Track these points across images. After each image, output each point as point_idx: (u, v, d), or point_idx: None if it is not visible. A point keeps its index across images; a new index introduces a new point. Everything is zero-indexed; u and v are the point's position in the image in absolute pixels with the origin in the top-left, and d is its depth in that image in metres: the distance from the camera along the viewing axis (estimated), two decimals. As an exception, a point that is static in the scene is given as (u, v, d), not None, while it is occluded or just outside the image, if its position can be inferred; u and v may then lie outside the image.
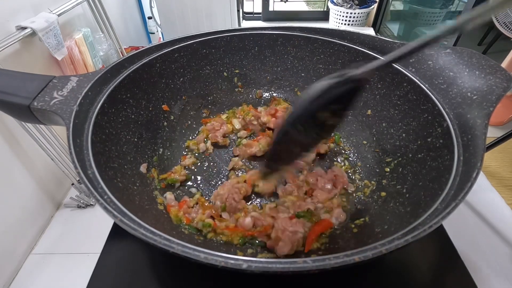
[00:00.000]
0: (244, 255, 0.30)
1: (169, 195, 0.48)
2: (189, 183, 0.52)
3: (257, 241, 0.43)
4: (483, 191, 1.25)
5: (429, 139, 0.43)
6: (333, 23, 2.00)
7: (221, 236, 0.43)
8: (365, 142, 0.56)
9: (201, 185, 0.52)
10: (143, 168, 0.49)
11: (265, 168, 0.40)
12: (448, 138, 0.39)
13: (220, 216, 0.46)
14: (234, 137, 0.61)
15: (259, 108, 0.64)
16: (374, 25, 2.09)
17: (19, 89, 0.40)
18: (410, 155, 0.46)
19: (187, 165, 0.55)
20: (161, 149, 0.55)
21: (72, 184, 1.22)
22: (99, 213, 1.23)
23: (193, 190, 0.51)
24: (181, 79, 0.59)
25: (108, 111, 0.45)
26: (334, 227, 0.44)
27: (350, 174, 0.53)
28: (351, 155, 0.56)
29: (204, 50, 0.60)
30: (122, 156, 0.45)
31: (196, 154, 0.57)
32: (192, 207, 0.47)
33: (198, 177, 0.54)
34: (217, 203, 0.47)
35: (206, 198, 0.50)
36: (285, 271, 0.25)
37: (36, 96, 0.40)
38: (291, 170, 0.52)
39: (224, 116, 0.64)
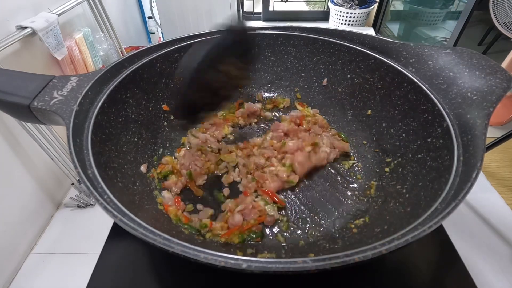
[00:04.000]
0: (244, 255, 0.30)
1: (166, 194, 0.48)
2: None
3: (254, 235, 0.43)
4: (483, 191, 1.25)
5: (429, 139, 0.43)
6: (333, 23, 2.00)
7: (219, 237, 0.43)
8: (365, 142, 0.56)
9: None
10: (143, 168, 0.49)
11: (180, 119, 0.48)
12: (448, 138, 0.39)
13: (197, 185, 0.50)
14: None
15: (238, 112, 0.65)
16: (374, 25, 2.09)
17: (19, 89, 0.40)
18: (410, 155, 0.46)
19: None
20: (161, 149, 0.55)
21: (72, 184, 1.22)
22: (99, 213, 1.23)
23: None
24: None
25: (108, 111, 0.45)
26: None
27: (350, 174, 0.53)
28: (351, 155, 0.56)
29: (204, 50, 0.60)
30: (122, 156, 0.45)
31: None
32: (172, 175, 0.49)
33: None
34: (183, 172, 0.51)
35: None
36: (285, 271, 0.25)
37: (36, 95, 0.40)
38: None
39: (220, 114, 0.64)
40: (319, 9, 2.23)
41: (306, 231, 0.45)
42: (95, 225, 1.20)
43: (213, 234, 0.43)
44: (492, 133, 1.44)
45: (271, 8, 2.09)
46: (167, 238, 0.28)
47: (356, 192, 0.50)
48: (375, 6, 1.96)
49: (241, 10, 1.94)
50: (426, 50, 0.49)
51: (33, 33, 1.01)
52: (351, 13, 1.88)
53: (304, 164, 0.51)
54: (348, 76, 0.59)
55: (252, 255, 0.41)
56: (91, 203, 1.27)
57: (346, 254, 0.26)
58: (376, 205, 0.46)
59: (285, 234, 0.45)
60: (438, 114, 0.42)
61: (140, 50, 0.52)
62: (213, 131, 0.60)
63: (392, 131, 0.52)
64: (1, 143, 0.99)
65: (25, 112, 0.40)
